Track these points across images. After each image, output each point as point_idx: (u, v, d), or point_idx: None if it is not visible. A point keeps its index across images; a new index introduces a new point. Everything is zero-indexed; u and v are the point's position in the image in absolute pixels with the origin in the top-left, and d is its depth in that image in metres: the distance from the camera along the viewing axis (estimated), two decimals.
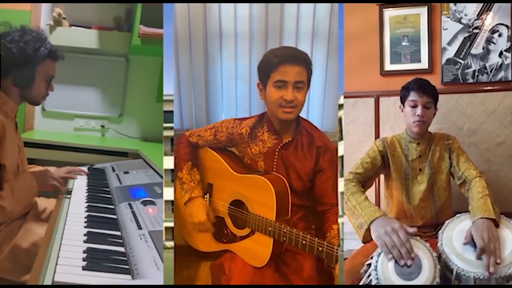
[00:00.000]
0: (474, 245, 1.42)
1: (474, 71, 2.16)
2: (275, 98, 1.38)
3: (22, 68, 1.57)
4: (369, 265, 1.44)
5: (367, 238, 1.50)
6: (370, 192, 1.76)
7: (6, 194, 1.49)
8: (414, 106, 1.71)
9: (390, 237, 1.40)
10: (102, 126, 3.26)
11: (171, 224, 1.62)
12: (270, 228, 1.34)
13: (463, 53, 2.17)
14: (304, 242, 1.27)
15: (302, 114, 1.50)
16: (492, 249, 1.39)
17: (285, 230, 1.31)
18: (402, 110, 1.79)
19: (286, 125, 1.45)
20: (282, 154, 1.46)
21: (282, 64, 1.36)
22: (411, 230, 1.43)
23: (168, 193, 1.71)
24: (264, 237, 1.36)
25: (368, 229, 1.48)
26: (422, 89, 1.70)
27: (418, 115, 1.69)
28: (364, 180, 1.72)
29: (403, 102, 1.77)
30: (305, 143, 1.45)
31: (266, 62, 1.40)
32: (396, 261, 1.39)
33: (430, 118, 1.74)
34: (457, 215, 1.57)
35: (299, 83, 1.37)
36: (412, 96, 1.71)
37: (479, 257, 1.40)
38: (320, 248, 1.24)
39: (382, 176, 1.88)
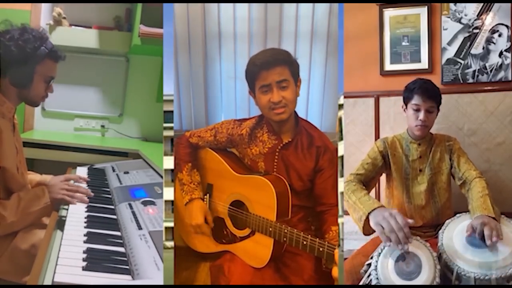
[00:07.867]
0: (475, 243, 1.42)
1: (474, 71, 2.16)
2: (264, 102, 1.41)
3: (20, 67, 1.52)
4: (369, 265, 1.44)
5: (368, 230, 1.50)
6: (371, 192, 1.76)
7: (11, 205, 1.47)
8: (417, 110, 1.70)
9: (388, 222, 1.40)
10: (102, 126, 3.26)
11: (171, 224, 1.62)
12: (270, 229, 1.34)
13: (463, 53, 2.17)
14: (304, 242, 1.27)
15: (302, 114, 1.51)
16: (493, 225, 1.41)
17: (285, 231, 1.31)
18: (404, 110, 1.78)
19: (284, 125, 1.45)
20: (282, 154, 1.46)
21: (261, 72, 1.39)
22: (409, 220, 1.42)
23: (168, 193, 1.71)
24: (265, 237, 1.36)
25: (367, 220, 1.48)
26: (426, 94, 1.68)
27: (420, 120, 1.69)
28: (366, 181, 1.73)
29: (406, 103, 1.76)
30: (305, 143, 1.45)
31: (248, 72, 1.43)
32: (395, 260, 1.39)
33: (432, 121, 1.74)
34: (457, 215, 1.58)
35: (282, 82, 1.38)
36: (416, 100, 1.69)
37: (481, 234, 1.40)
38: (321, 249, 1.24)
39: (383, 176, 1.88)
